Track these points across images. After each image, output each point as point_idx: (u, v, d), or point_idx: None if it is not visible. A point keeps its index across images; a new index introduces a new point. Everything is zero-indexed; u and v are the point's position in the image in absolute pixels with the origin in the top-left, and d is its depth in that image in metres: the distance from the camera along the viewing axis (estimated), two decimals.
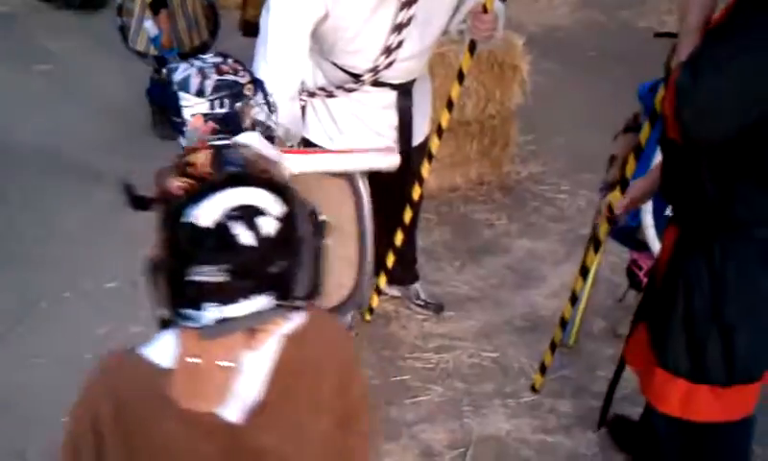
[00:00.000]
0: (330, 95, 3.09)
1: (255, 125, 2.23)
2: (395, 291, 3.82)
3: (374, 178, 3.33)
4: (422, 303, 3.82)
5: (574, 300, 3.14)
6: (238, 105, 2.19)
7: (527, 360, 3.47)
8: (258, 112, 2.25)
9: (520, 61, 4.64)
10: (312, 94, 3.10)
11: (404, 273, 3.77)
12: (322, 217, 2.41)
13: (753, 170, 2.04)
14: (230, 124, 2.16)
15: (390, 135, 3.22)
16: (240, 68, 2.24)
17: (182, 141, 2.24)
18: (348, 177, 2.42)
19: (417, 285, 3.84)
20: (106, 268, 3.94)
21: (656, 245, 3.16)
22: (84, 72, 6.39)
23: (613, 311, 3.77)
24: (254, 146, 2.05)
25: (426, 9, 2.89)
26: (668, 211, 2.79)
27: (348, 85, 3.05)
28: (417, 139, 3.33)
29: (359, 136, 3.13)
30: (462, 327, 3.68)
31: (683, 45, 2.06)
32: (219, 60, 2.23)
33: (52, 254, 4.10)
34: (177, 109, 2.18)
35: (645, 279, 3.51)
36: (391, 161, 2.44)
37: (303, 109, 3.10)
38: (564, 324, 3.20)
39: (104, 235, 4.21)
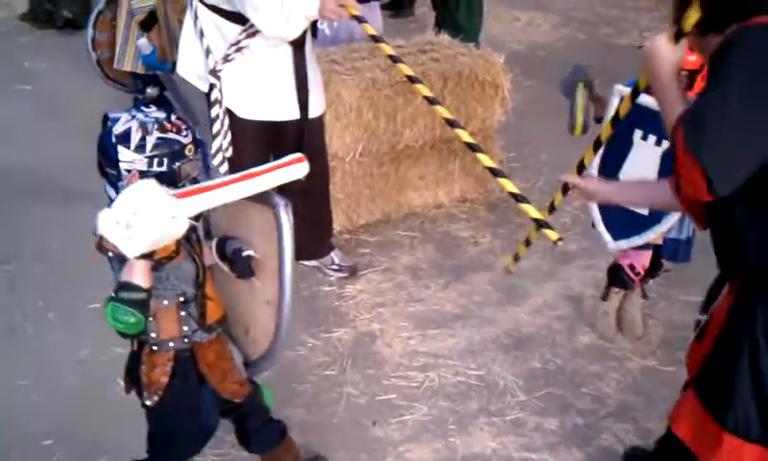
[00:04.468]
0: (227, 59, 3.31)
1: (192, 182, 2.20)
2: (313, 262, 4.11)
3: (278, 152, 3.42)
4: (337, 268, 4.10)
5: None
6: (177, 164, 2.17)
7: (512, 377, 3.46)
8: (195, 172, 2.22)
9: (501, 79, 4.68)
10: (214, 70, 3.34)
11: (320, 246, 4.07)
12: (247, 253, 2.37)
13: None
14: (166, 182, 2.12)
15: (289, 101, 3.46)
16: (183, 126, 2.21)
17: (111, 192, 2.19)
18: (273, 206, 2.31)
19: (332, 253, 4.13)
20: (89, 289, 3.89)
21: (606, 236, 3.34)
22: (66, 92, 6.37)
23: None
24: (153, 191, 2.00)
25: None
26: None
27: (241, 39, 3.27)
28: (314, 111, 3.58)
29: (260, 102, 3.42)
30: (446, 344, 3.68)
31: (667, 109, 2.01)
32: (162, 115, 2.20)
33: (35, 275, 4.07)
34: (114, 162, 2.14)
35: (637, 280, 3.61)
36: (300, 170, 2.32)
37: (213, 87, 3.36)
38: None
39: (87, 256, 4.14)
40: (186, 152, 2.18)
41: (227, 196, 2.15)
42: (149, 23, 4.88)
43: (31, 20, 8.06)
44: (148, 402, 2.38)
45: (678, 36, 2.02)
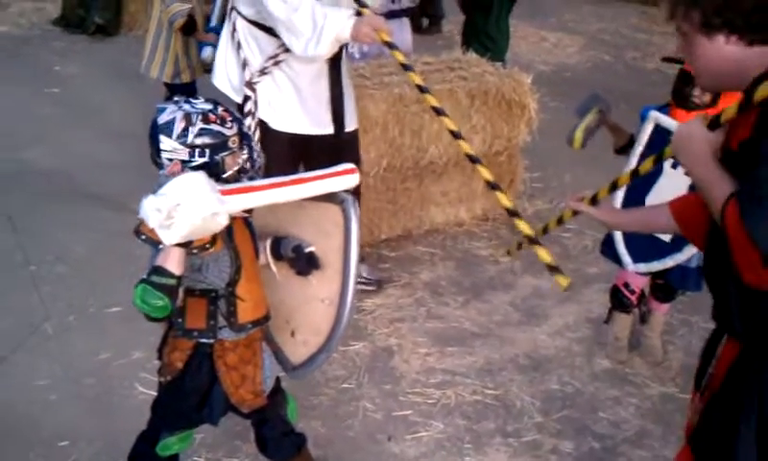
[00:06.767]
0: (264, 72, 3.34)
1: (239, 174, 2.22)
2: None
3: (309, 166, 3.42)
4: (364, 280, 4.03)
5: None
6: (219, 156, 2.18)
7: (529, 398, 3.44)
8: (243, 163, 2.23)
9: (528, 99, 4.68)
10: (250, 82, 3.37)
11: None
12: (309, 249, 2.40)
13: None
14: (209, 174, 2.13)
15: (323, 115, 3.48)
16: (229, 118, 2.22)
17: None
18: (341, 202, 2.35)
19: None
20: (111, 292, 3.94)
21: (626, 258, 3.33)
22: (94, 97, 6.45)
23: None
24: (200, 185, 2.03)
25: None
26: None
27: (279, 53, 3.30)
28: (349, 124, 3.59)
29: (294, 115, 3.43)
30: (464, 362, 3.67)
31: (711, 188, 1.86)
32: (208, 107, 2.22)
33: (58, 278, 4.11)
34: (158, 151, 2.18)
35: (634, 300, 3.61)
36: (350, 181, 2.34)
37: (247, 99, 3.38)
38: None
39: (110, 259, 4.21)
40: (230, 143, 2.19)
41: (273, 198, 2.19)
42: (190, 27, 4.90)
43: (63, 25, 8.18)
44: (161, 379, 2.45)
45: (714, 124, 1.90)
